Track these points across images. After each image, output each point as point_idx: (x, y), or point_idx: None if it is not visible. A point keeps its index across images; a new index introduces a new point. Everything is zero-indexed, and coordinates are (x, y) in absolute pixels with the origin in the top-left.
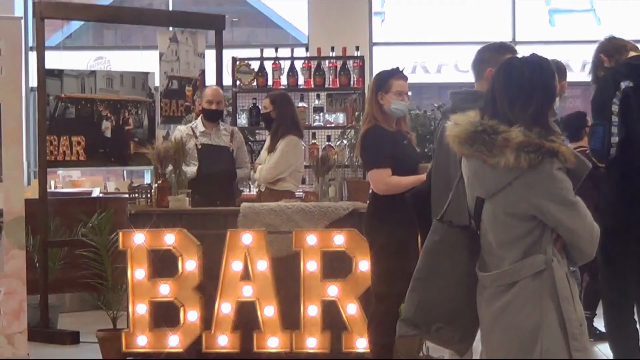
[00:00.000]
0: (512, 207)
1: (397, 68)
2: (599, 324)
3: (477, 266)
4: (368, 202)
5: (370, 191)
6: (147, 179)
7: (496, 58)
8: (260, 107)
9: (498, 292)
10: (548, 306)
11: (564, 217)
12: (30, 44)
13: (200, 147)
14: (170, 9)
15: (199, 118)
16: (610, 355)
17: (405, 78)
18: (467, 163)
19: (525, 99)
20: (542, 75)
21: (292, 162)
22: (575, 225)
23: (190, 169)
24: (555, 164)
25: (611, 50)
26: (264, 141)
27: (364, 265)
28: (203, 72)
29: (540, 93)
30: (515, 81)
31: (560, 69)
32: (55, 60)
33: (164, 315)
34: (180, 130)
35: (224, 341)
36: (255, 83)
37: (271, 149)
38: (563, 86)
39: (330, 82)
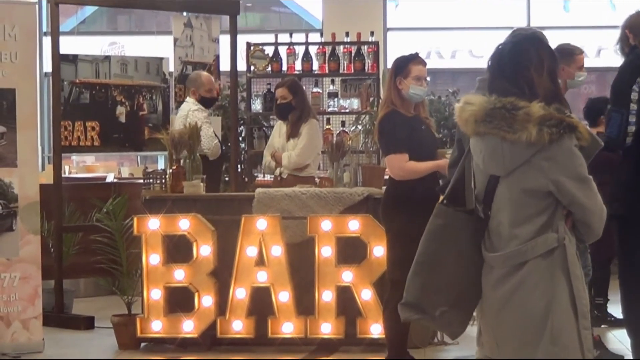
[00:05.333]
0: (530, 184)
1: (416, 53)
2: (613, 310)
3: (483, 248)
4: (385, 187)
5: (388, 176)
6: (161, 164)
7: None
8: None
9: (507, 274)
10: (560, 284)
11: (579, 194)
12: (45, 29)
13: None
14: None
15: (196, 104)
16: (625, 341)
17: (424, 63)
18: (481, 142)
19: (537, 64)
20: (540, 40)
21: (318, 145)
22: (589, 203)
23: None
24: (573, 140)
25: (636, 28)
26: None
27: (378, 250)
28: (217, 58)
29: (547, 56)
30: (522, 55)
31: (566, 51)
32: (69, 45)
33: (179, 301)
34: (198, 117)
35: (238, 326)
36: (269, 68)
37: (294, 135)
38: (568, 71)
39: (345, 68)
